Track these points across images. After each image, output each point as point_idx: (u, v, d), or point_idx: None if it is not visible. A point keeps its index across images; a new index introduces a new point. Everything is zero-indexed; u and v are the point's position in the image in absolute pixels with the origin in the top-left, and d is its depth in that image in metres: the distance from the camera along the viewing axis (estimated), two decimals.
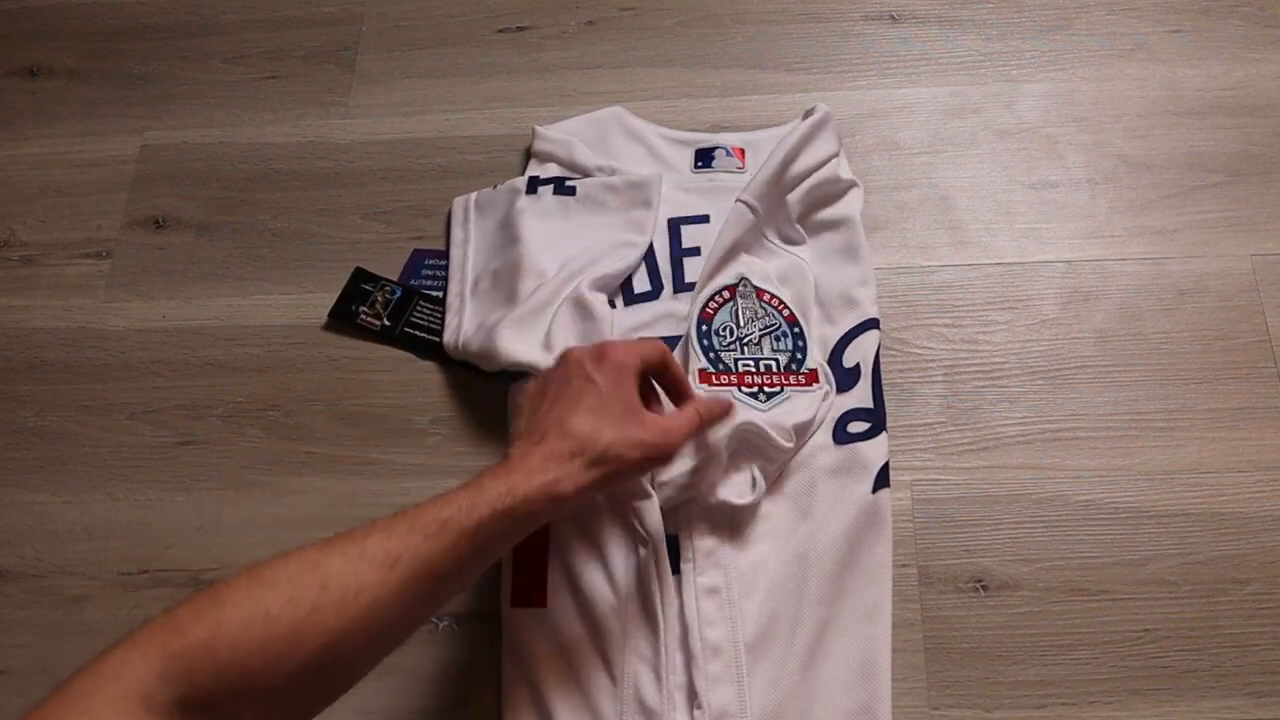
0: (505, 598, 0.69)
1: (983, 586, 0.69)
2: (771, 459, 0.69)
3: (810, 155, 0.79)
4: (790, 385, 0.72)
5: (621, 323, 0.76)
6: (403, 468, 0.75)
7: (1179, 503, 0.71)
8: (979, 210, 0.82)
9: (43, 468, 0.77)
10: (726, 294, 0.75)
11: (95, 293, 0.84)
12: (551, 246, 0.78)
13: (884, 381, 0.74)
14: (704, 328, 0.73)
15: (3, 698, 0.69)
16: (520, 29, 0.94)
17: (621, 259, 0.77)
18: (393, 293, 0.81)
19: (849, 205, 0.80)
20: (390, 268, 0.82)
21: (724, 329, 0.73)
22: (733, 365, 0.72)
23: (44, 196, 0.88)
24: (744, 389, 0.71)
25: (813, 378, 0.72)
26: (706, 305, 0.74)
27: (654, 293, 0.78)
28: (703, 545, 0.68)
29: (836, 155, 0.81)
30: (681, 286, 0.78)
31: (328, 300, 0.81)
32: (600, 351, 0.60)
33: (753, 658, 0.65)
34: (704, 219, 0.81)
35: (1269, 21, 0.89)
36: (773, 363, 0.72)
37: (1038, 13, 0.91)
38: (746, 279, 0.75)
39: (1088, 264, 0.79)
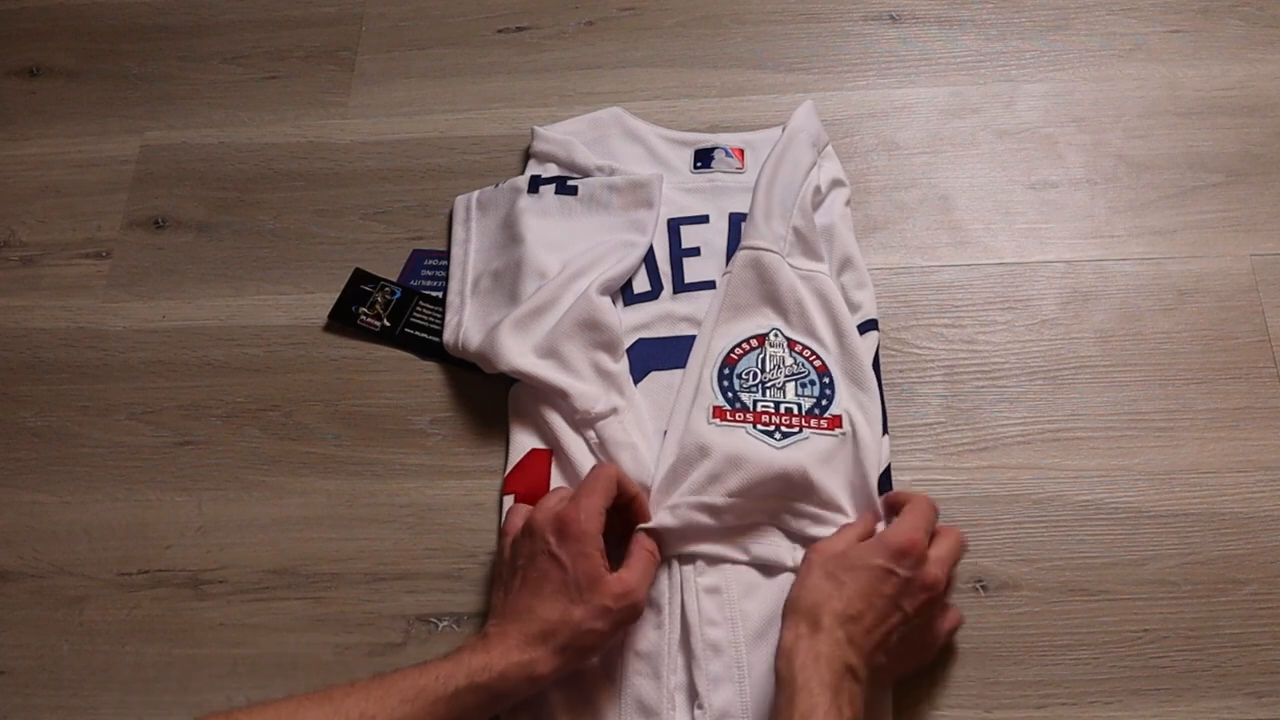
0: None
1: (982, 586, 0.69)
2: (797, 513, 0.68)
3: (790, 171, 0.78)
4: (810, 427, 0.69)
5: (621, 323, 0.76)
6: (402, 468, 0.75)
7: (1179, 503, 0.71)
8: (979, 210, 0.82)
9: (43, 468, 0.77)
10: (755, 342, 0.73)
11: (95, 293, 0.84)
12: (553, 246, 0.78)
13: (884, 381, 0.74)
14: (725, 370, 0.72)
15: (3, 698, 0.69)
16: (520, 29, 0.94)
17: (623, 259, 0.77)
18: (392, 293, 0.81)
19: (828, 213, 0.79)
20: (390, 268, 0.82)
21: (747, 373, 0.72)
22: (750, 405, 0.70)
23: (44, 196, 0.88)
24: (758, 426, 0.69)
25: (835, 423, 0.70)
26: (731, 351, 0.73)
27: (653, 293, 0.78)
28: (704, 545, 0.68)
29: (815, 165, 0.80)
30: (681, 287, 0.78)
31: (327, 300, 0.81)
32: (562, 524, 0.61)
33: (754, 658, 0.64)
34: (704, 219, 0.81)
35: (1268, 21, 0.89)
36: (795, 406, 0.70)
37: (1038, 13, 0.91)
38: (779, 330, 0.73)
39: (1087, 264, 0.79)
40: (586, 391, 0.72)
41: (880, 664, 0.59)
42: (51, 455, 0.77)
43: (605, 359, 0.73)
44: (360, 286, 0.81)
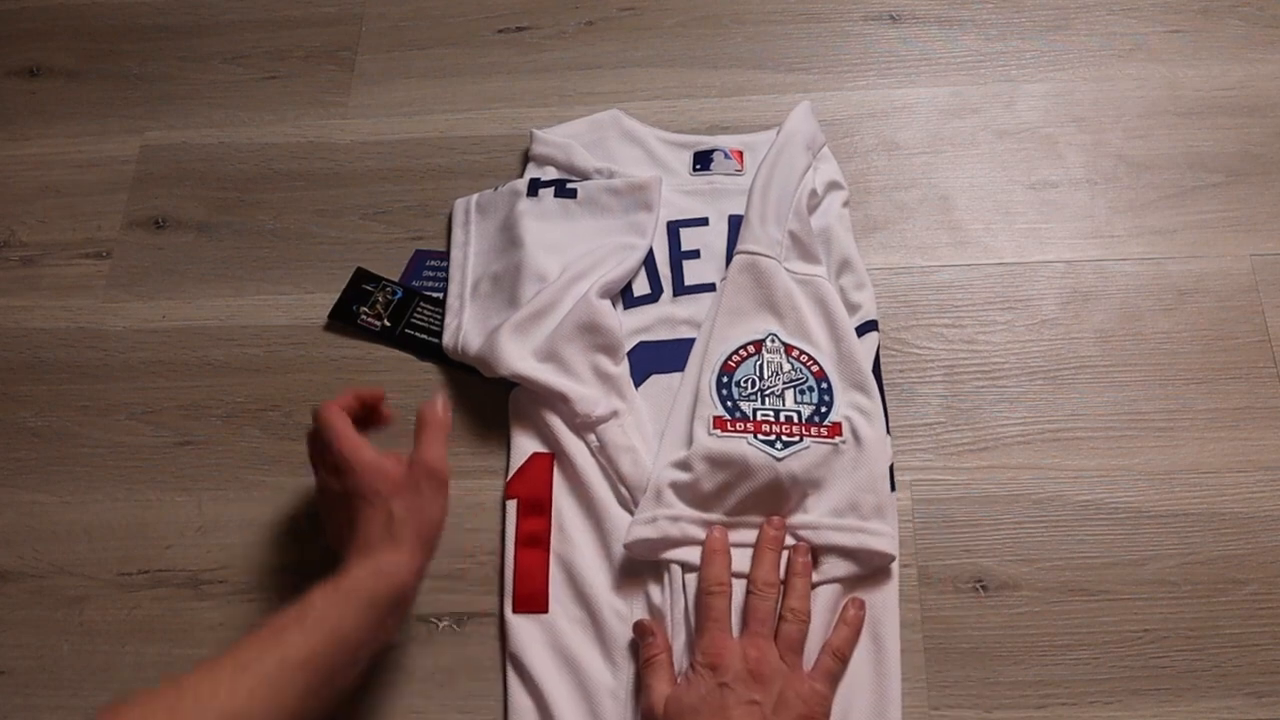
0: (507, 605, 0.69)
1: (982, 586, 0.69)
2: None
3: (785, 175, 0.78)
4: (811, 436, 0.69)
5: (621, 326, 0.76)
6: None
7: (1179, 503, 0.71)
8: (979, 210, 0.82)
9: (43, 468, 0.77)
10: (752, 348, 0.73)
11: (95, 293, 0.84)
12: (553, 249, 0.78)
13: (884, 382, 0.74)
14: (724, 379, 0.72)
15: (3, 698, 0.69)
16: (520, 29, 0.94)
17: (622, 263, 0.77)
18: (394, 293, 0.81)
19: (825, 215, 0.79)
20: (390, 268, 0.82)
21: (746, 380, 0.71)
22: (750, 414, 0.70)
23: (44, 196, 0.88)
24: (759, 435, 0.69)
25: (835, 430, 0.69)
26: (729, 359, 0.72)
27: (653, 295, 0.78)
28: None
29: (810, 167, 0.80)
30: (681, 289, 0.78)
31: (327, 300, 0.81)
32: (334, 467, 0.62)
33: None
34: (703, 221, 0.81)
35: (1268, 21, 0.89)
36: (794, 414, 0.70)
37: (1038, 13, 0.91)
38: (775, 335, 0.73)
39: (1087, 264, 0.79)
40: (587, 395, 0.72)
41: None
42: (51, 455, 0.77)
43: (606, 362, 0.73)
44: (362, 286, 0.81)
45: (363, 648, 0.57)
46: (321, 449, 0.64)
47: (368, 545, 0.59)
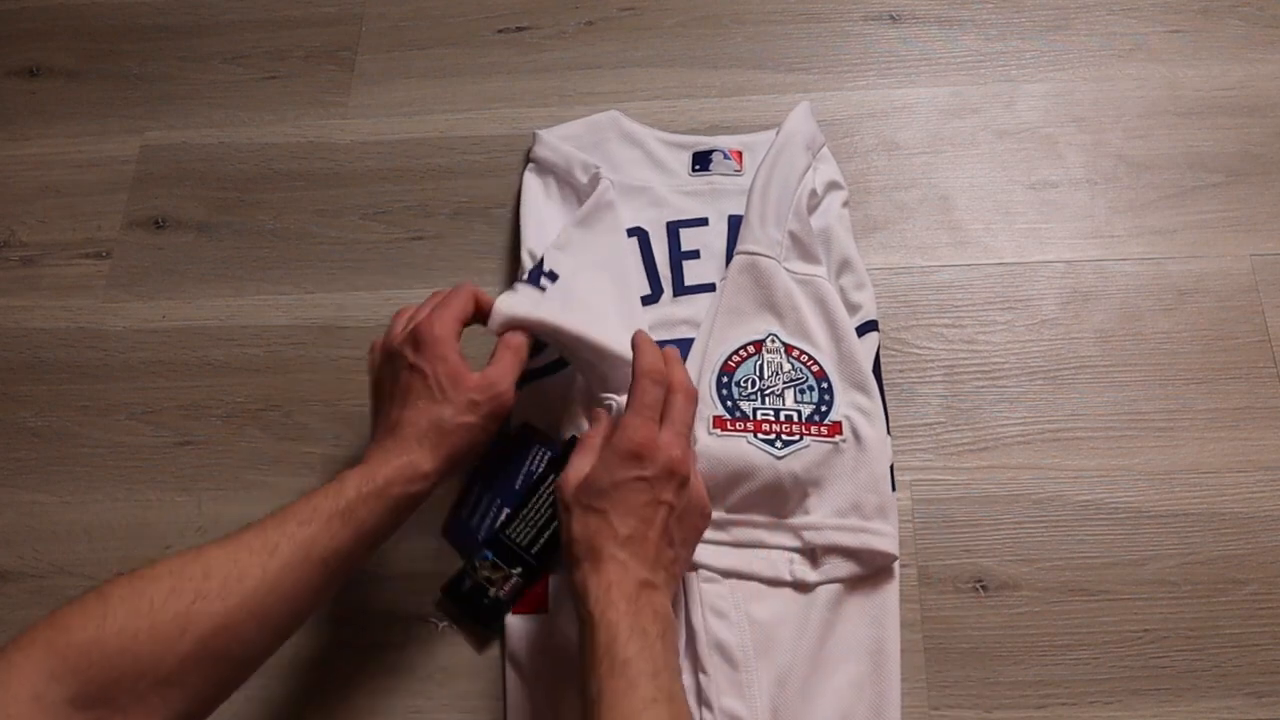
0: None
1: (982, 586, 0.69)
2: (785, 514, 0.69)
3: (785, 175, 0.77)
4: (811, 435, 0.69)
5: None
6: None
7: (1179, 503, 0.71)
8: (979, 210, 0.82)
9: (43, 468, 0.77)
10: (752, 349, 0.73)
11: (95, 293, 0.84)
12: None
13: (884, 381, 0.74)
14: (724, 379, 0.72)
15: None
16: (520, 29, 0.94)
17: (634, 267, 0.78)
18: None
19: (825, 215, 0.79)
20: (390, 267, 0.82)
21: (746, 380, 0.71)
22: (750, 414, 0.70)
23: (44, 196, 0.88)
24: (759, 435, 0.69)
25: (835, 429, 0.69)
26: (729, 359, 0.72)
27: (654, 296, 0.78)
28: (704, 557, 0.67)
29: (809, 168, 0.79)
30: (681, 290, 0.78)
31: (328, 300, 0.81)
32: (416, 336, 0.63)
33: (761, 659, 0.64)
34: (703, 222, 0.81)
35: (1268, 21, 0.89)
36: (795, 413, 0.70)
37: (1038, 13, 0.91)
38: (776, 335, 0.73)
39: (1087, 264, 0.79)
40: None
41: (672, 557, 0.59)
42: (51, 455, 0.77)
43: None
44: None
45: (380, 540, 0.60)
46: (413, 319, 0.65)
47: (404, 437, 0.61)
